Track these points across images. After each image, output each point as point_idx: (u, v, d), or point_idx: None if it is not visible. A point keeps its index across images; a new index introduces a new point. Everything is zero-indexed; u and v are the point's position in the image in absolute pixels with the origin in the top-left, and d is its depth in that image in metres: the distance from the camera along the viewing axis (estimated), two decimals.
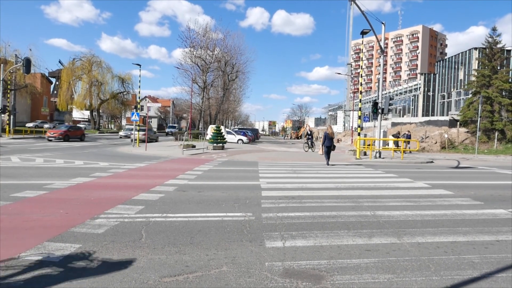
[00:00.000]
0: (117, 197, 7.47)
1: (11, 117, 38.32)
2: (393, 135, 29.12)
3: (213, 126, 31.42)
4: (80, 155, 17.87)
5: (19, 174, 10.61)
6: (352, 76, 72.92)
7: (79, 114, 72.99)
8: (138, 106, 28.48)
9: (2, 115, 36.34)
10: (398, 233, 5.34)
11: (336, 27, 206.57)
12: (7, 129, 36.56)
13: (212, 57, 46.31)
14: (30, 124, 51.32)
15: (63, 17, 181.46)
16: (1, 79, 36.18)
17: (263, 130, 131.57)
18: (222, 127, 32.24)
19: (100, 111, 65.01)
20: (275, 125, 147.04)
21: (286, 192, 8.49)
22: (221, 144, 25.56)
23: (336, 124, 73.41)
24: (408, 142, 28.94)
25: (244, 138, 38.50)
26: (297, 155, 22.01)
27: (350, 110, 53.61)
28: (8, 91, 38.88)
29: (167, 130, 65.53)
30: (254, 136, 46.30)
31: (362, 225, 5.76)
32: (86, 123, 67.88)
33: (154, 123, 76.62)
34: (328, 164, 16.14)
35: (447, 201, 7.93)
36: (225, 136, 28.52)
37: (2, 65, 36.56)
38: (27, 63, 34.42)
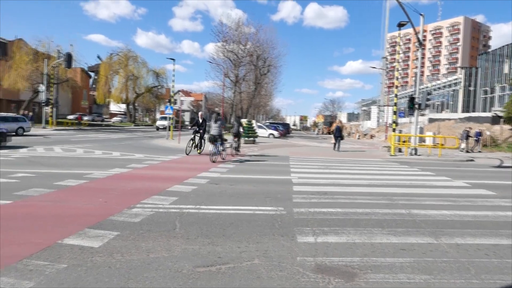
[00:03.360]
0: (152, 188, 7.70)
1: (54, 109, 40.32)
2: (465, 132, 26.54)
3: (245, 120, 31.58)
4: (117, 147, 18.55)
5: (62, 164, 11.17)
6: (387, 70, 70.78)
7: (116, 107, 75.68)
8: (172, 99, 29.09)
9: (46, 108, 38.33)
10: (436, 233, 5.15)
11: (370, 19, 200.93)
12: (50, 121, 38.57)
13: (244, 51, 46.42)
14: (71, 116, 53.79)
15: (101, 14, 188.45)
16: (45, 73, 38.13)
17: (294, 125, 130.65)
18: (253, 121, 32.35)
19: (136, 104, 67.03)
20: (307, 120, 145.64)
21: (318, 188, 8.40)
22: (252, 138, 25.66)
23: (369, 120, 71.64)
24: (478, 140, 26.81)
25: (275, 133, 38.43)
26: (328, 150, 21.71)
27: (384, 105, 52.11)
28: (51, 85, 40.92)
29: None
30: (285, 130, 46.11)
31: (396, 223, 5.60)
32: (123, 116, 70.30)
33: (186, 117, 78.06)
34: (334, 149, 21.02)
35: (489, 202, 7.55)
36: (256, 130, 28.61)
37: (46, 60, 38.51)
38: (69, 58, 36.06)
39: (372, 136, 48.67)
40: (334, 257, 4.09)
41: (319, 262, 3.93)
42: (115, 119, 70.03)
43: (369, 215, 6.05)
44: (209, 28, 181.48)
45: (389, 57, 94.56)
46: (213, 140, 13.18)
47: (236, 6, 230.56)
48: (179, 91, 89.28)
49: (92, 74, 71.29)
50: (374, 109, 70.76)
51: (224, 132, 14.82)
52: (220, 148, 13.62)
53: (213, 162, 12.87)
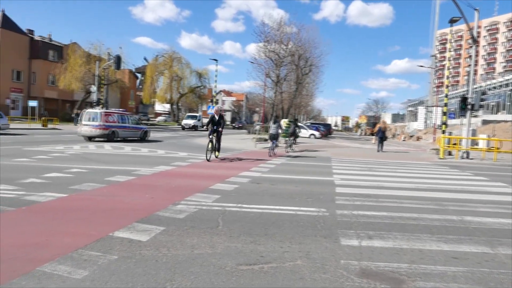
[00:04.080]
0: (195, 185, 7.89)
1: (104, 109, 42.62)
2: None
3: (285, 120, 31.47)
4: (162, 145, 19.23)
5: (111, 161, 11.77)
6: (436, 68, 67.39)
7: (160, 107, 78.51)
8: (214, 99, 29.64)
9: (97, 107, 40.60)
10: (492, 242, 4.82)
11: (418, 16, 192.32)
12: None
13: (286, 51, 46.26)
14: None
15: (148, 17, 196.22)
16: (97, 75, 40.39)
17: (335, 125, 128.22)
18: (284, 120, 32.14)
19: (179, 104, 69.08)
20: (349, 121, 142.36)
21: (362, 190, 8.17)
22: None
23: (416, 121, 68.61)
24: None
25: (316, 133, 37.95)
26: (372, 152, 21.08)
27: (433, 106, 49.63)
28: (102, 86, 43.26)
29: (234, 124, 67.64)
30: (326, 131, 45.40)
31: (447, 230, 5.31)
32: (167, 115, 72.73)
33: (228, 117, 79.25)
34: (378, 151, 20.50)
35: None
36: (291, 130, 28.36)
37: (97, 62, 40.77)
38: (118, 60, 37.89)
39: (418, 138, 46.55)
40: (380, 262, 3.95)
41: (364, 266, 3.81)
42: (159, 118, 72.64)
43: (416, 220, 5.78)
44: (251, 29, 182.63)
45: (438, 55, 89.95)
46: (272, 138, 16.29)
47: (278, 6, 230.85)
48: (221, 91, 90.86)
49: (138, 75, 74.47)
50: (421, 110, 67.67)
51: (279, 132, 16.51)
52: (274, 145, 16.11)
53: (270, 156, 15.38)
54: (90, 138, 19.78)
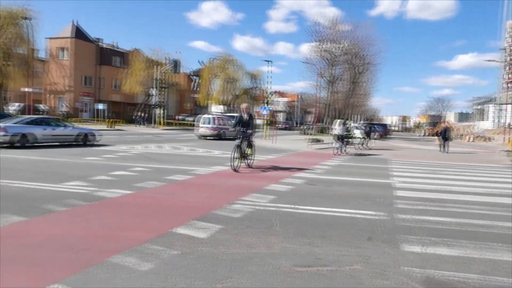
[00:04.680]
0: (250, 185, 8.00)
1: (164, 111, 44.86)
2: None
3: (340, 120, 30.77)
4: (217, 146, 19.77)
5: (170, 160, 12.34)
6: (506, 63, 61.75)
7: (215, 109, 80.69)
8: (268, 100, 29.86)
9: (156, 109, 42.86)
10: None
11: (484, 7, 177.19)
12: (161, 122, 42.94)
13: (340, 49, 45.23)
14: (179, 117, 59.15)
15: (203, 22, 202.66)
16: (156, 78, 42.63)
17: (394, 126, 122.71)
18: (350, 122, 31.32)
19: (234, 105, 70.51)
20: (407, 121, 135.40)
21: (424, 194, 7.73)
22: (348, 139, 24.84)
23: (485, 120, 63.41)
24: None
25: (373, 134, 36.54)
26: (434, 153, 19.85)
27: (504, 104, 45.53)
28: (161, 89, 45.57)
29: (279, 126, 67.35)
30: (383, 131, 43.60)
31: None
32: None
33: (281, 117, 79.31)
34: (441, 151, 20.05)
35: None
36: (352, 131, 27.63)
37: (156, 67, 43.03)
38: (176, 64, 39.77)
39: (487, 139, 42.95)
40: (446, 271, 3.70)
41: (428, 274, 3.60)
42: None
43: (488, 228, 5.34)
44: (303, 29, 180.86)
45: (509, 48, 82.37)
46: (338, 138, 16.99)
47: (331, 5, 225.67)
48: (273, 92, 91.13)
49: (194, 78, 77.22)
50: (490, 108, 62.38)
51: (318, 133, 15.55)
52: (342, 145, 17.00)
53: (334, 155, 16.10)
54: (205, 137, 24.92)
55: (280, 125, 65.68)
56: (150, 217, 5.33)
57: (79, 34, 48.04)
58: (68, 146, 15.55)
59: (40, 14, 38.71)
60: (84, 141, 16.65)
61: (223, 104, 69.05)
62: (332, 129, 30.75)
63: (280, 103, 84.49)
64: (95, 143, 17.11)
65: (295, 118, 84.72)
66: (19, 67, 37.12)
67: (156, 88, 43.01)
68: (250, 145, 10.74)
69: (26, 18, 36.57)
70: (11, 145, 13.90)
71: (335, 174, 10.42)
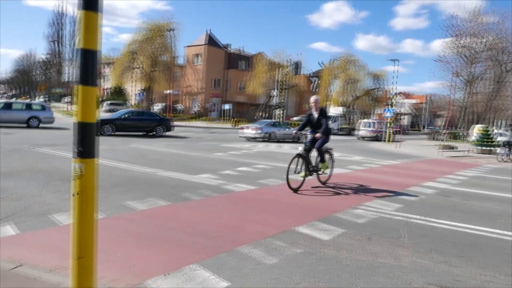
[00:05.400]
0: (373, 191, 7.59)
1: (283, 112, 46.17)
2: None
3: (479, 126, 26.87)
4: (336, 148, 19.39)
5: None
6: None
7: (333, 110, 79.37)
8: (393, 102, 28.00)
9: (277, 110, 44.34)
10: None
11: None
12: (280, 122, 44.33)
13: (483, 45, 39.42)
14: (296, 118, 60.22)
15: (324, 23, 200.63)
16: (278, 80, 44.12)
17: None
18: (493, 128, 27.11)
19: (354, 107, 68.24)
20: None
21: None
22: (489, 148, 21.51)
23: None
24: None
25: None
26: None
27: None
28: (282, 91, 46.97)
29: (426, 130, 61.47)
30: None
31: None
32: (340, 118, 72.90)
33: (405, 120, 73.55)
34: None
35: None
36: (495, 139, 23.83)
37: (278, 69, 44.50)
38: (297, 66, 40.45)
39: None
40: None
41: None
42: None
43: None
44: (436, 23, 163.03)
45: None
46: (505, 145, 17.18)
47: None
48: (398, 93, 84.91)
49: (313, 79, 77.33)
50: None
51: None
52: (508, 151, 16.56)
53: (499, 161, 16.00)
54: (364, 138, 30.00)
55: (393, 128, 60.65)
56: (272, 213, 5.52)
57: (211, 41, 53.00)
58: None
59: (180, 25, 44.19)
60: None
61: (342, 106, 67.47)
62: (469, 135, 27.04)
63: (405, 105, 78.30)
64: None
65: (422, 122, 77.40)
66: (163, 72, 43.07)
67: (277, 89, 44.52)
68: (322, 156, 7.60)
69: (170, 30, 42.18)
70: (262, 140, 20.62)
71: (474, 186, 9.11)
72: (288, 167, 7.01)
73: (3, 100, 24.37)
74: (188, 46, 53.46)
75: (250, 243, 4.10)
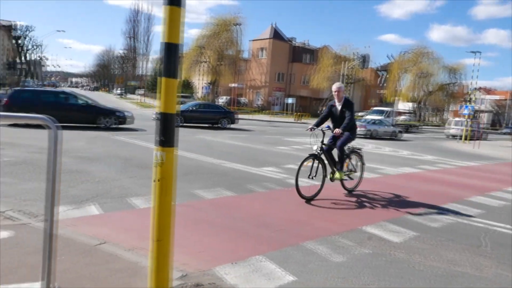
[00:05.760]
0: (448, 193, 7.06)
1: None
2: None
3: None
4: (405, 146, 18.35)
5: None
6: None
7: (402, 106, 75.07)
8: (473, 98, 25.70)
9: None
10: None
11: None
12: None
13: None
14: (360, 113, 58.02)
15: (395, 13, 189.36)
16: (344, 74, 42.80)
17: None
18: None
19: (426, 103, 63.98)
20: None
21: None
22: None
23: None
24: None
25: None
26: None
27: None
28: (347, 85, 45.51)
29: (504, 130, 55.51)
30: None
31: None
32: (409, 114, 68.85)
33: (485, 118, 67.28)
34: None
35: None
36: None
37: (343, 62, 43.12)
38: (364, 59, 38.84)
39: None
40: None
41: None
42: (401, 117, 69.64)
43: None
44: None
45: None
46: None
47: None
48: (477, 88, 77.76)
49: (381, 73, 73.74)
50: None
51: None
52: None
53: None
54: (455, 137, 27.98)
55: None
56: (338, 210, 5.39)
57: (276, 35, 53.01)
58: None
59: (246, 20, 44.83)
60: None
61: (412, 101, 63.52)
62: None
63: (485, 102, 71.52)
64: None
65: (505, 120, 70.08)
66: (228, 66, 44.18)
67: (343, 83, 43.36)
68: (342, 160, 6.18)
69: (236, 24, 43.02)
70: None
71: None
72: (298, 170, 5.69)
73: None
74: (253, 40, 54.07)
75: (315, 239, 4.04)
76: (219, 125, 20.27)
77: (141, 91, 62.04)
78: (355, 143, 6.74)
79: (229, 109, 25.58)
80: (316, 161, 5.91)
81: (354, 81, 48.82)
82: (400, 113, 70.64)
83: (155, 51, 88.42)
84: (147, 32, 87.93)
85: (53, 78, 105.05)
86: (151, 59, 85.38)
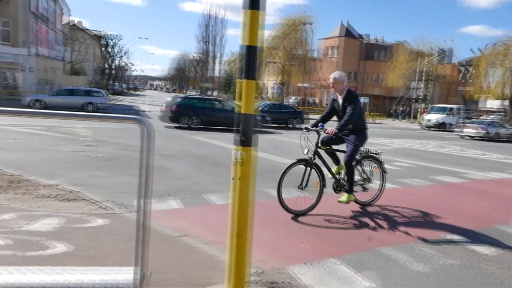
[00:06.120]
0: None
1: (424, 105, 41.72)
2: None
3: None
4: (493, 148, 16.61)
5: (435, 159, 11.34)
6: None
7: (490, 104, 67.79)
8: None
9: (416, 104, 40.38)
10: None
11: None
12: (418, 116, 40.24)
13: None
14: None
15: (481, 3, 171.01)
16: (422, 71, 40.04)
17: None
18: None
19: None
20: None
21: None
22: None
23: None
24: None
25: None
26: None
27: None
28: (429, 82, 42.50)
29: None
30: None
31: None
32: (500, 113, 61.88)
33: None
34: None
35: None
36: None
37: (419, 58, 40.26)
38: (444, 54, 35.88)
39: None
40: None
41: None
42: (490, 117, 62.94)
43: None
44: None
45: None
46: None
47: None
48: None
49: (463, 69, 67.45)
50: None
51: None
52: None
53: None
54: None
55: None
56: (415, 216, 5.06)
57: (347, 33, 51.52)
58: None
59: (316, 19, 44.23)
60: None
61: (503, 99, 57.00)
62: None
63: None
64: None
65: None
66: (298, 66, 43.99)
67: (420, 81, 40.50)
68: (351, 177, 5.02)
69: (305, 24, 42.64)
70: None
71: None
72: (280, 179, 4.67)
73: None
74: (323, 39, 53.18)
75: (391, 245, 3.86)
76: (290, 126, 20.31)
77: (215, 92, 64.77)
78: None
79: (299, 109, 25.50)
80: (308, 168, 4.86)
81: (433, 78, 45.37)
82: (487, 112, 64.03)
83: (227, 54, 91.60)
84: (219, 35, 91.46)
85: (136, 82, 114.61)
86: (223, 61, 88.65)
